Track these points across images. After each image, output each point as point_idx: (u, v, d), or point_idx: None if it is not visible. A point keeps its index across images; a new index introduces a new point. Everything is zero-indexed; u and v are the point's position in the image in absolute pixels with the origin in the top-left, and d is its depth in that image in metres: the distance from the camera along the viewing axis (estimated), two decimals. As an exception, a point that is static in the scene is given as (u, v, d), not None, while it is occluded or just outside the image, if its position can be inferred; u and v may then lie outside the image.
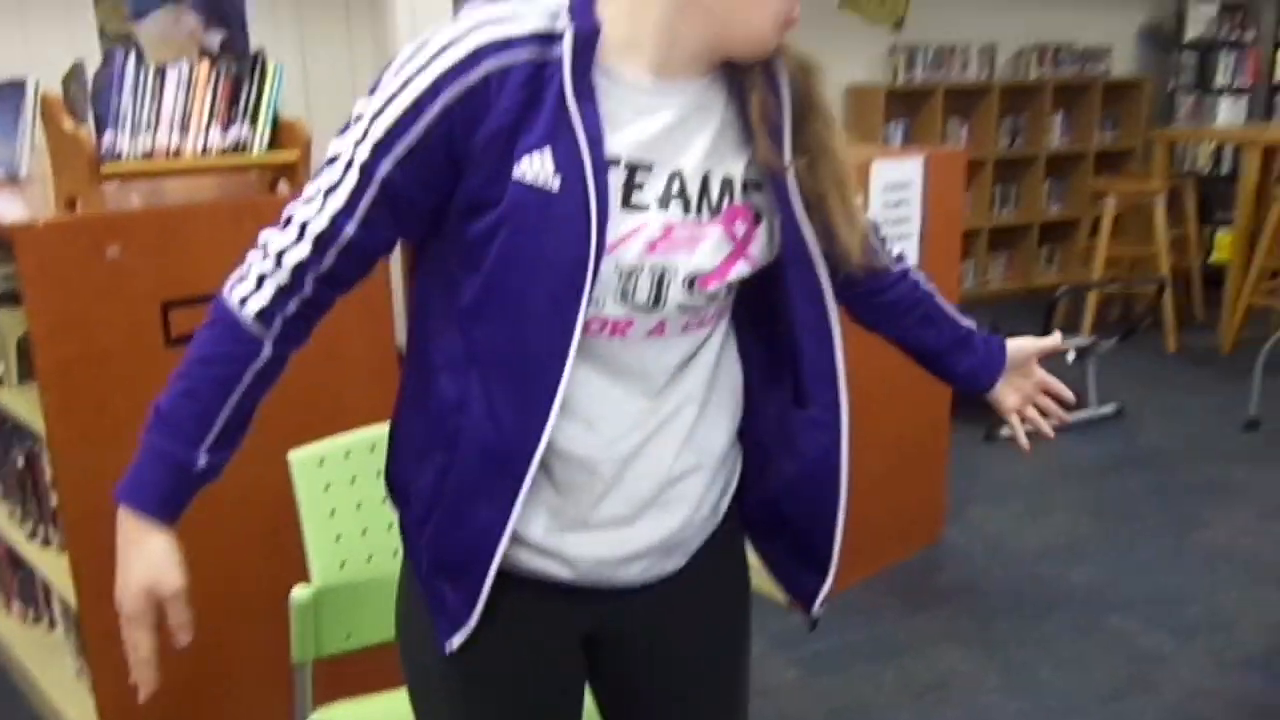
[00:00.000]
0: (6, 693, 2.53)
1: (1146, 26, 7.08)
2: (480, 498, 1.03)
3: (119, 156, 1.92)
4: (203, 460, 1.04)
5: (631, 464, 1.06)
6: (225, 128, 2.07)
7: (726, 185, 1.03)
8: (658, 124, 0.99)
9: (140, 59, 1.96)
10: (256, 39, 4.56)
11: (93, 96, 1.93)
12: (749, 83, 1.02)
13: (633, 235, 0.98)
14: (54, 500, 2.19)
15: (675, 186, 1.00)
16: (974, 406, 4.84)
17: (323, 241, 1.00)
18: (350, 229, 0.99)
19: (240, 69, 2.09)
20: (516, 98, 0.94)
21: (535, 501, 1.05)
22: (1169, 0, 7.01)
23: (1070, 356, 4.33)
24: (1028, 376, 1.38)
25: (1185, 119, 7.01)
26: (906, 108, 6.18)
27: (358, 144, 0.97)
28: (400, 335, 1.74)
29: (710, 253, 1.02)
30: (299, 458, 1.61)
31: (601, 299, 0.99)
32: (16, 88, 2.54)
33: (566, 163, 0.94)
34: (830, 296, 1.09)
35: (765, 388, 1.15)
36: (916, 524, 3.31)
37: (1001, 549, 3.30)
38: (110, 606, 1.09)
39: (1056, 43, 6.54)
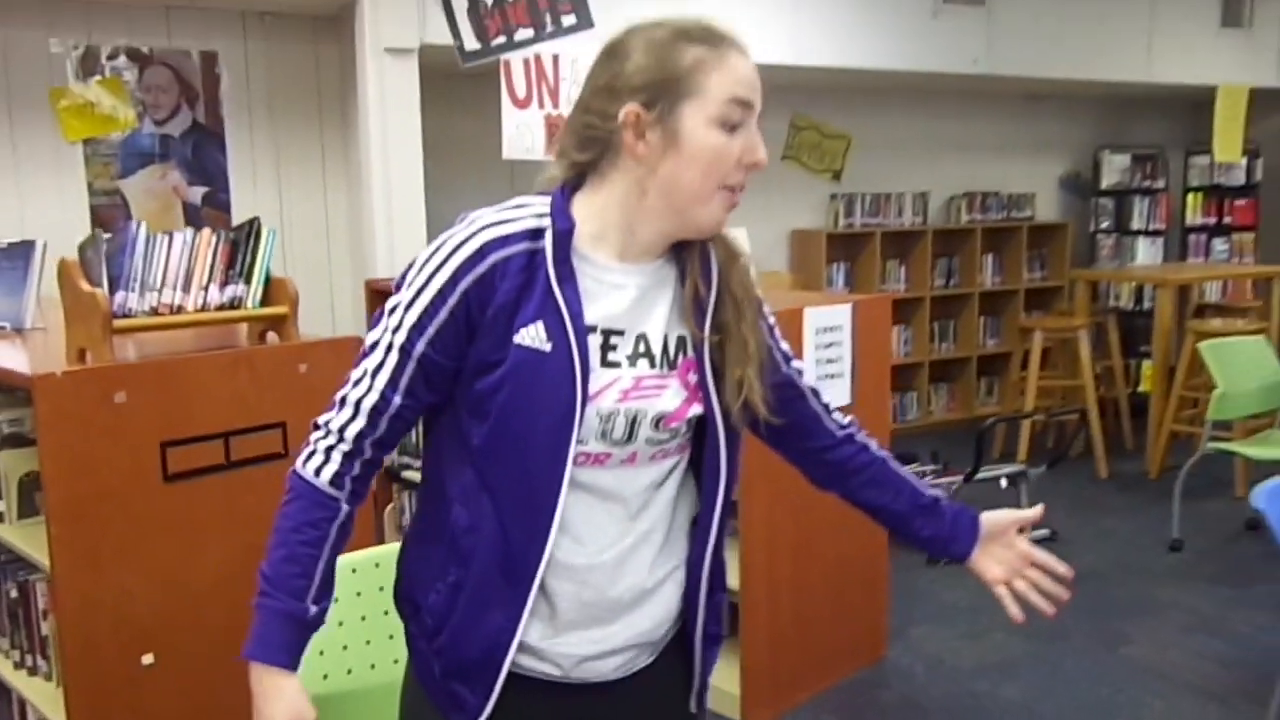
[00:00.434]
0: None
1: (1066, 175, 7.67)
2: (493, 607, 1.26)
3: (129, 313, 2.16)
4: (312, 610, 1.27)
5: (614, 574, 1.28)
6: (222, 286, 2.32)
7: (681, 343, 1.29)
8: (625, 298, 1.26)
9: (149, 230, 2.22)
10: (237, 194, 4.90)
11: (107, 259, 2.18)
12: (689, 267, 1.29)
13: (609, 387, 1.24)
14: (44, 630, 2.34)
15: (642, 347, 1.27)
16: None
17: (376, 412, 1.24)
18: (396, 399, 1.24)
19: (237, 235, 2.35)
20: (515, 281, 1.20)
21: (534, 610, 1.27)
22: (1086, 151, 7.62)
23: (1003, 484, 4.60)
24: (1009, 548, 1.45)
25: (1106, 259, 7.52)
26: (847, 250, 6.62)
27: (395, 331, 1.22)
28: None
29: (672, 398, 1.27)
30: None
31: (586, 437, 1.23)
32: (26, 247, 2.78)
33: (555, 331, 1.20)
34: (723, 439, 1.31)
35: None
36: (860, 644, 3.49)
37: (941, 667, 3.48)
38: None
39: (984, 190, 7.07)
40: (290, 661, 1.27)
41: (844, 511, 1.54)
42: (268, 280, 2.38)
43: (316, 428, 1.28)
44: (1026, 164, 7.40)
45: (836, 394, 3.16)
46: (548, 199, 1.26)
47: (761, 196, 6.22)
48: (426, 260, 1.22)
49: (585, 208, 1.26)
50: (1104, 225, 7.55)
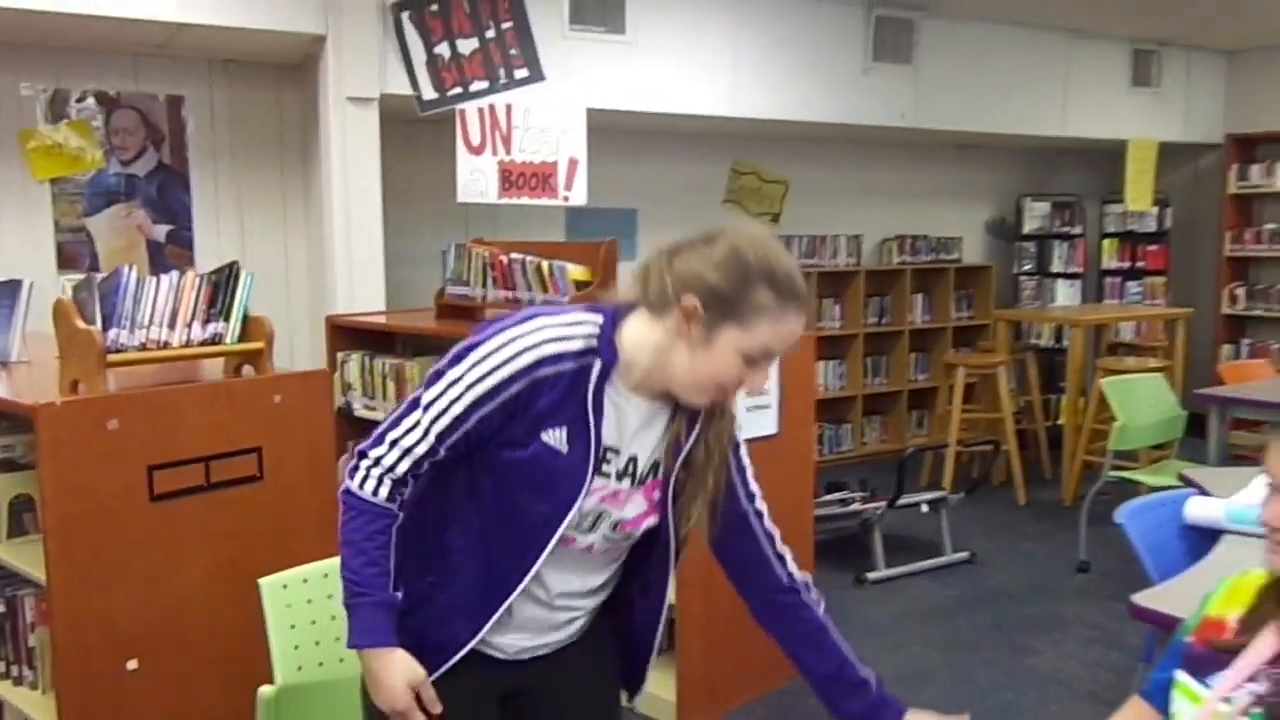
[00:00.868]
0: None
1: (991, 220, 8.12)
2: (462, 614, 1.56)
3: (121, 349, 2.38)
4: (397, 596, 1.56)
5: (569, 608, 1.64)
6: (204, 324, 2.55)
7: (654, 467, 1.59)
8: (630, 425, 1.55)
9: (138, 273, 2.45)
10: (200, 233, 5.10)
11: (100, 299, 2.41)
12: (679, 414, 1.56)
13: (597, 491, 1.54)
14: (31, 641, 2.53)
15: (629, 466, 1.56)
16: (846, 555, 5.40)
17: (426, 456, 1.52)
18: (441, 450, 1.52)
19: (218, 277, 2.59)
20: (556, 394, 1.47)
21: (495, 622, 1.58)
22: (1009, 198, 8.08)
23: (924, 509, 4.93)
24: None
25: (1029, 299, 7.96)
26: (785, 290, 6.95)
27: (455, 401, 1.48)
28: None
29: (633, 509, 1.58)
30: (267, 583, 2.03)
31: (568, 527, 1.53)
32: (13, 285, 2.98)
33: (576, 440, 1.49)
34: (673, 544, 1.63)
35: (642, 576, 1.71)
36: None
37: (863, 677, 3.76)
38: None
39: (914, 234, 7.48)
40: (393, 638, 1.54)
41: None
42: (245, 318, 2.62)
43: (364, 456, 1.54)
44: (954, 209, 7.83)
45: (764, 424, 3.44)
46: (598, 320, 1.50)
47: (704, 238, 6.52)
48: (493, 353, 1.47)
49: (629, 335, 1.50)
50: (1026, 268, 8.00)
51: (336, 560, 2.00)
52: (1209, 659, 1.48)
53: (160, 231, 5.03)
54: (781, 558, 1.68)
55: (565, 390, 1.47)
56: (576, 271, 3.61)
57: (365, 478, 1.54)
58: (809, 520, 3.86)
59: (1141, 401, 4.93)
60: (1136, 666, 3.39)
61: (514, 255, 3.75)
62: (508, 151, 4.44)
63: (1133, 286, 8.18)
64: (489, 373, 1.47)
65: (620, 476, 1.55)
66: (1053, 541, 5.33)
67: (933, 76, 6.25)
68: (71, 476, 2.26)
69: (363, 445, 1.56)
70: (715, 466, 1.57)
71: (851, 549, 4.89)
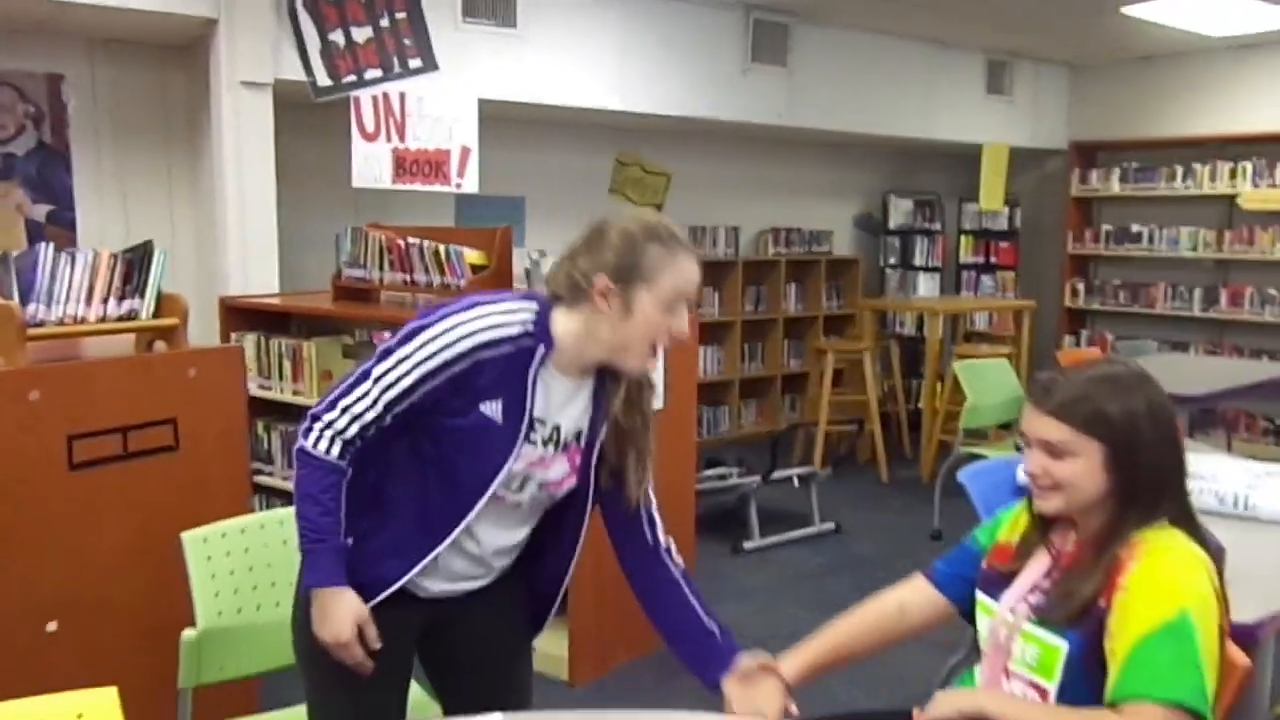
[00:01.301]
0: None
1: (859, 216, 8.60)
2: (394, 556, 1.76)
3: (40, 323, 2.46)
4: (348, 542, 1.74)
5: (492, 560, 1.84)
6: (120, 300, 2.64)
7: (576, 434, 1.81)
8: (557, 398, 1.77)
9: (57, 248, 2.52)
10: (82, 213, 5.04)
11: (17, 275, 2.48)
12: (612, 386, 1.80)
13: (525, 455, 1.75)
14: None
15: (553, 434, 1.79)
16: (724, 526, 5.72)
17: (375, 421, 1.71)
18: (388, 417, 1.71)
19: (133, 256, 2.68)
20: (493, 373, 1.70)
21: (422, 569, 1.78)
22: (876, 196, 8.57)
23: (795, 483, 5.29)
24: (752, 685, 1.84)
25: (894, 291, 8.47)
26: (667, 279, 7.23)
27: (405, 375, 1.68)
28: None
29: (556, 472, 1.80)
30: (189, 537, 2.16)
31: (499, 486, 1.74)
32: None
33: (510, 414, 1.71)
34: (589, 502, 1.87)
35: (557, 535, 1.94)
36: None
37: (738, 635, 4.05)
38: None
39: (788, 227, 7.87)
40: (344, 579, 1.73)
41: (662, 503, 1.99)
42: (159, 296, 2.72)
43: (316, 419, 1.72)
44: (826, 205, 8.27)
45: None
46: (534, 308, 1.73)
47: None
48: (440, 335, 1.68)
49: (558, 325, 1.73)
50: (891, 261, 8.51)
51: (252, 518, 2.18)
52: (997, 579, 1.82)
53: (40, 211, 4.95)
54: (653, 521, 1.94)
55: (502, 369, 1.70)
56: (473, 256, 3.79)
57: (319, 438, 1.72)
58: (691, 493, 4.14)
59: (990, 384, 5.40)
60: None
61: (411, 240, 3.90)
62: (401, 139, 4.57)
63: (987, 280, 8.79)
64: (436, 352, 1.68)
65: (545, 443, 1.77)
66: (911, 513, 5.78)
67: (806, 78, 6.62)
68: (-7, 445, 2.34)
69: (315, 409, 1.74)
70: (640, 429, 1.82)
71: (729, 521, 5.22)
